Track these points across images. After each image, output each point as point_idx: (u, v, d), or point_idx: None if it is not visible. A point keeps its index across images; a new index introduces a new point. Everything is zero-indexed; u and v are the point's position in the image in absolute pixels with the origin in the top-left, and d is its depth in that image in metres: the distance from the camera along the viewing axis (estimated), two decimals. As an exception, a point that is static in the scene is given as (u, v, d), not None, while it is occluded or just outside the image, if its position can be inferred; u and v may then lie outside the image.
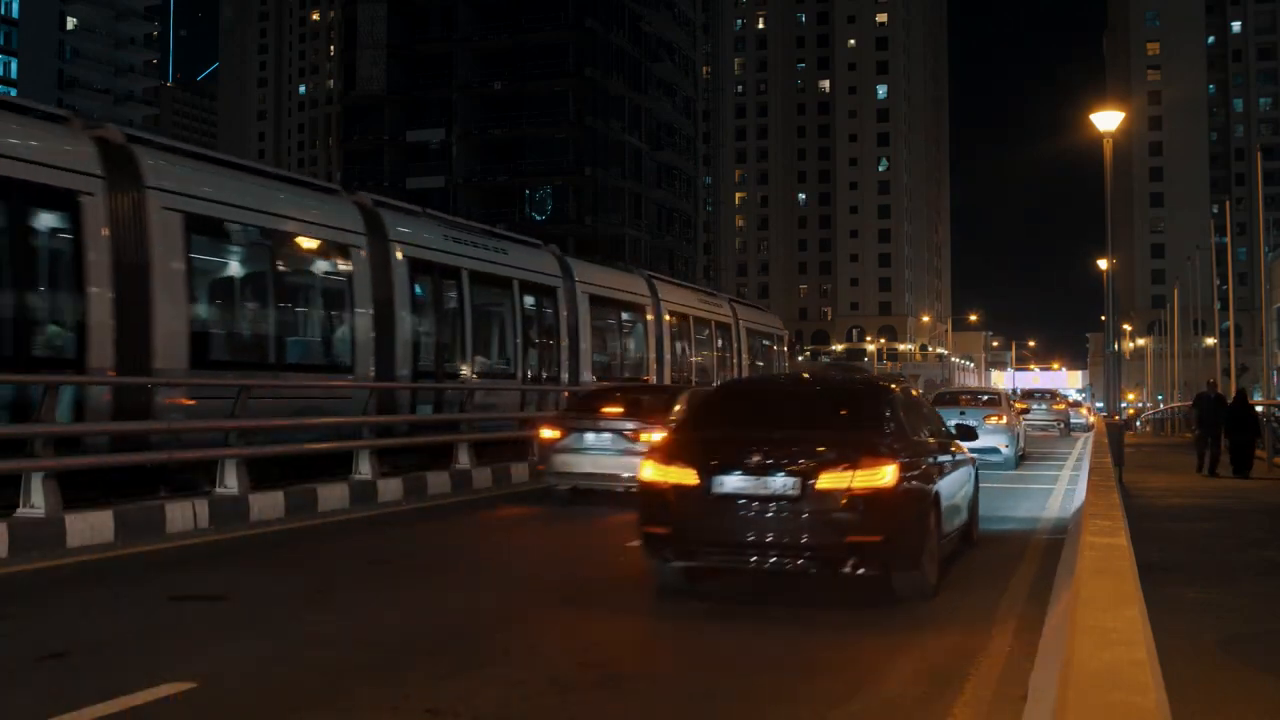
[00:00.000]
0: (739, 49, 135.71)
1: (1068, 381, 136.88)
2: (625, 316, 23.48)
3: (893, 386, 8.66)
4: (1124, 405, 39.22)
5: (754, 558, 7.01)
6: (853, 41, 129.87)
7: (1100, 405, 65.56)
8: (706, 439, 7.55)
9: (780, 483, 6.86)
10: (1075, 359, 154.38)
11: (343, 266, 14.93)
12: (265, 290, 14.08)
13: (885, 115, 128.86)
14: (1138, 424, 53.69)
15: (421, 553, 9.64)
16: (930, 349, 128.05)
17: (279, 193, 14.42)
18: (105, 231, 11.19)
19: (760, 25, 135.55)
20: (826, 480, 6.80)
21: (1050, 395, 44.22)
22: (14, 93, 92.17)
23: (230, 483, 10.87)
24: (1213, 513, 12.89)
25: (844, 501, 6.75)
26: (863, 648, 5.93)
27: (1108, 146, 20.79)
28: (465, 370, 17.47)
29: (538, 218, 68.47)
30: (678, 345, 25.18)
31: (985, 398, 23.02)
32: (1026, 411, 26.06)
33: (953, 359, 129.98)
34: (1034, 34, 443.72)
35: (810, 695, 4.95)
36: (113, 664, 5.38)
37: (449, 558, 9.38)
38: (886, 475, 6.86)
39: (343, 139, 76.71)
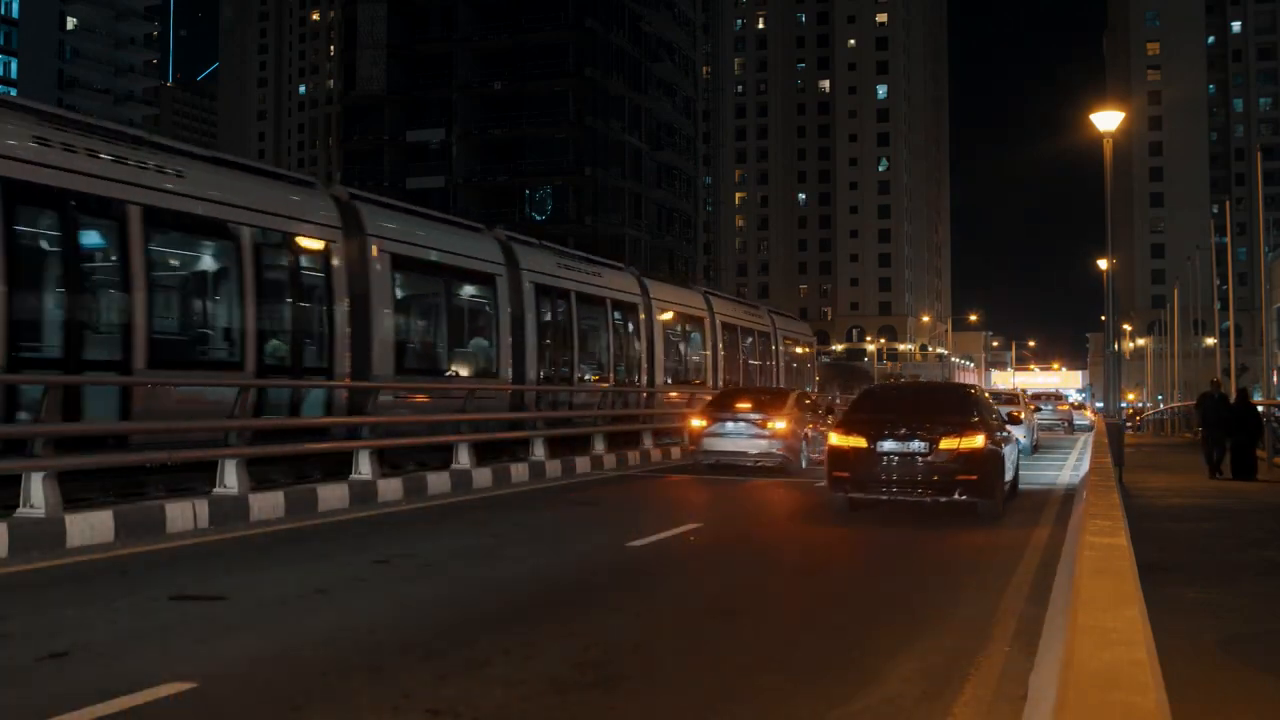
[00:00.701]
0: (739, 49, 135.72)
1: (1064, 381, 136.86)
2: (688, 328, 27.24)
3: (973, 390, 14.19)
4: (1123, 405, 39.54)
5: (900, 491, 11.83)
6: (853, 41, 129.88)
7: (1100, 405, 65.60)
8: (869, 419, 12.43)
9: (917, 445, 11.76)
10: (1075, 359, 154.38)
11: (489, 291, 18.32)
12: (440, 311, 17.32)
13: (885, 115, 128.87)
14: (1137, 421, 53.73)
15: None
16: (930, 349, 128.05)
17: (449, 234, 17.95)
18: (343, 270, 14.37)
19: (760, 25, 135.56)
20: (944, 444, 11.69)
21: (1056, 398, 50.36)
22: (14, 93, 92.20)
23: (230, 481, 10.88)
24: (1213, 513, 12.89)
25: (954, 456, 11.67)
26: (864, 647, 5.95)
27: (1108, 146, 20.80)
28: (575, 375, 21.22)
29: (538, 218, 68.47)
30: (728, 352, 28.96)
31: (1005, 397, 27.82)
32: (1037, 410, 30.02)
33: (953, 359, 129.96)
34: (1034, 34, 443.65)
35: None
36: (113, 664, 5.38)
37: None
38: (979, 441, 11.82)
39: (343, 139, 76.72)
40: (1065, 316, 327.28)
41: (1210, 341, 70.13)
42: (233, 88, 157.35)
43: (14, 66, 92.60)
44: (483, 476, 14.77)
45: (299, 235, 14.25)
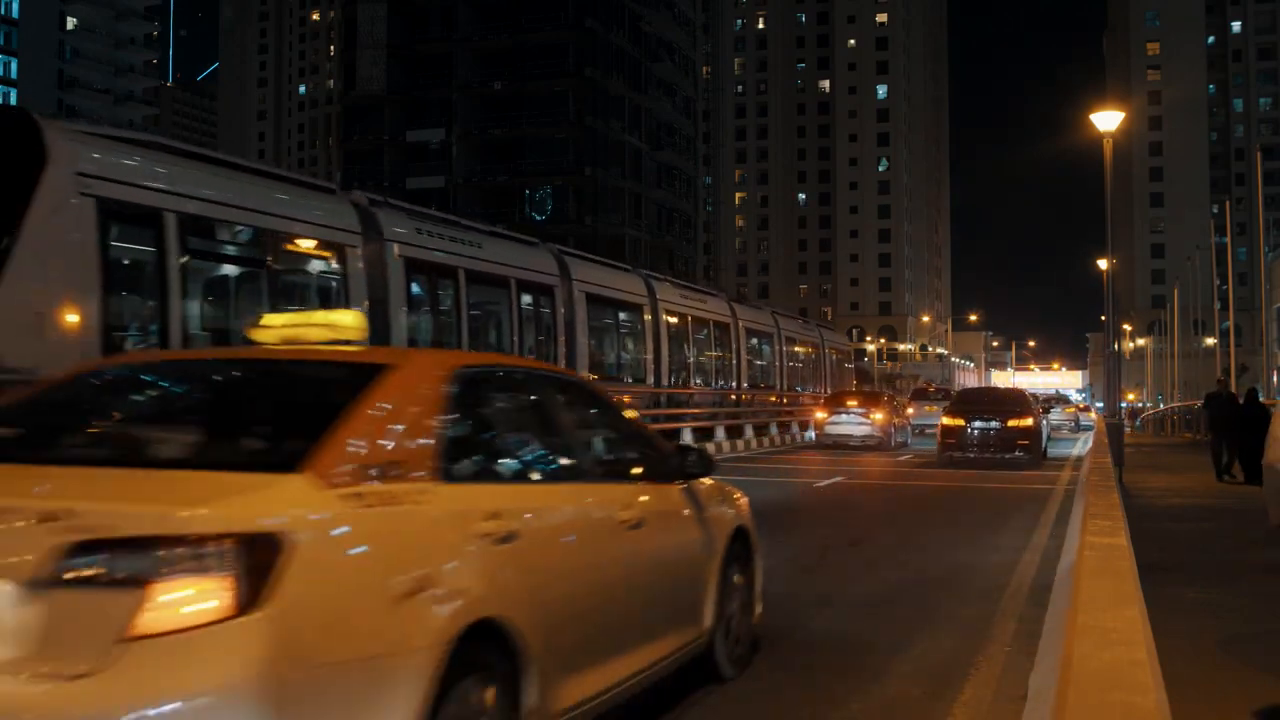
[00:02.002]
0: (739, 49, 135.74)
1: (1063, 382, 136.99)
2: (760, 342, 32.94)
3: (1024, 392, 26.42)
4: (1123, 405, 39.78)
5: (982, 450, 21.31)
6: (853, 41, 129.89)
7: (1100, 405, 65.64)
8: (963, 409, 22.53)
9: (994, 424, 21.55)
10: (1075, 359, 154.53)
11: (545, 300, 20.49)
12: (458, 314, 18.01)
13: (885, 115, 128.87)
14: (1137, 422, 53.75)
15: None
16: (930, 349, 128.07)
17: (487, 242, 19.12)
18: (362, 274, 15.23)
19: (760, 25, 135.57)
20: (1010, 423, 21.46)
21: (1063, 400, 57.47)
22: (14, 93, 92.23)
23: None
24: (1213, 513, 12.89)
25: (1015, 430, 21.39)
26: (862, 648, 5.95)
27: (1108, 146, 20.80)
28: (694, 380, 26.96)
29: (538, 218, 68.50)
30: (790, 362, 35.38)
31: (1041, 399, 35.00)
32: (1049, 411, 35.58)
33: (953, 359, 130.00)
34: (1034, 34, 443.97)
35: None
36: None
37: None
38: (1029, 421, 21.64)
39: (343, 139, 76.78)
40: (1065, 316, 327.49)
41: (1210, 341, 70.17)
42: (233, 88, 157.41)
43: (14, 66, 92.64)
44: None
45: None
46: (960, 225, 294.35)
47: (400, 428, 3.38)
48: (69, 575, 2.57)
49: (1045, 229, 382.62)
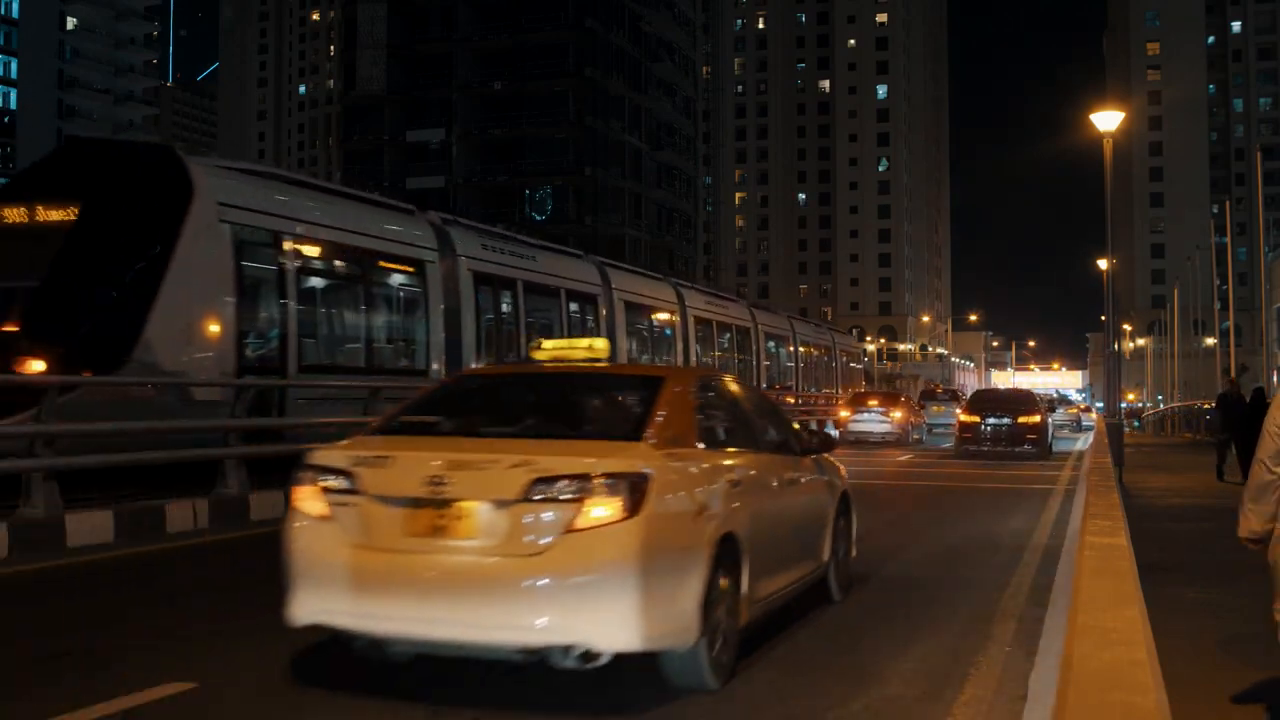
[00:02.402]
0: (739, 49, 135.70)
1: (1063, 382, 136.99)
2: (776, 345, 35.49)
3: (1032, 393, 30.00)
4: (1123, 405, 40.37)
5: (995, 444, 23.74)
6: (853, 41, 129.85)
7: (1100, 405, 65.64)
8: (979, 407, 25.28)
9: (1006, 421, 23.96)
10: (1075, 359, 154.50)
11: (590, 307, 22.49)
12: (517, 320, 19.99)
13: (885, 115, 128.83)
14: (1136, 422, 53.77)
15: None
16: (930, 349, 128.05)
17: (539, 255, 21.26)
18: (439, 286, 17.23)
19: (760, 25, 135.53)
20: (1019, 419, 23.94)
21: (1065, 401, 59.97)
22: (14, 93, 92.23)
23: (229, 482, 10.89)
24: (1213, 513, 12.89)
25: (1024, 425, 23.83)
26: (865, 647, 5.94)
27: (1108, 146, 20.79)
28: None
29: (538, 218, 68.47)
30: (805, 363, 38.11)
31: (1045, 399, 36.63)
32: (1052, 412, 36.78)
33: (953, 359, 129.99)
34: (1034, 34, 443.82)
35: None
36: (113, 664, 5.38)
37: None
38: (1037, 418, 24.32)
39: (343, 139, 76.77)
40: (1065, 316, 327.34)
41: (1210, 341, 70.14)
42: (233, 88, 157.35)
43: (14, 66, 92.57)
44: None
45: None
46: (960, 225, 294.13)
47: (680, 414, 5.44)
48: (535, 496, 4.53)
49: (1045, 229, 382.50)
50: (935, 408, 36.62)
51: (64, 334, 11.83)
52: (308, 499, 4.93)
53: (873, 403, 30.90)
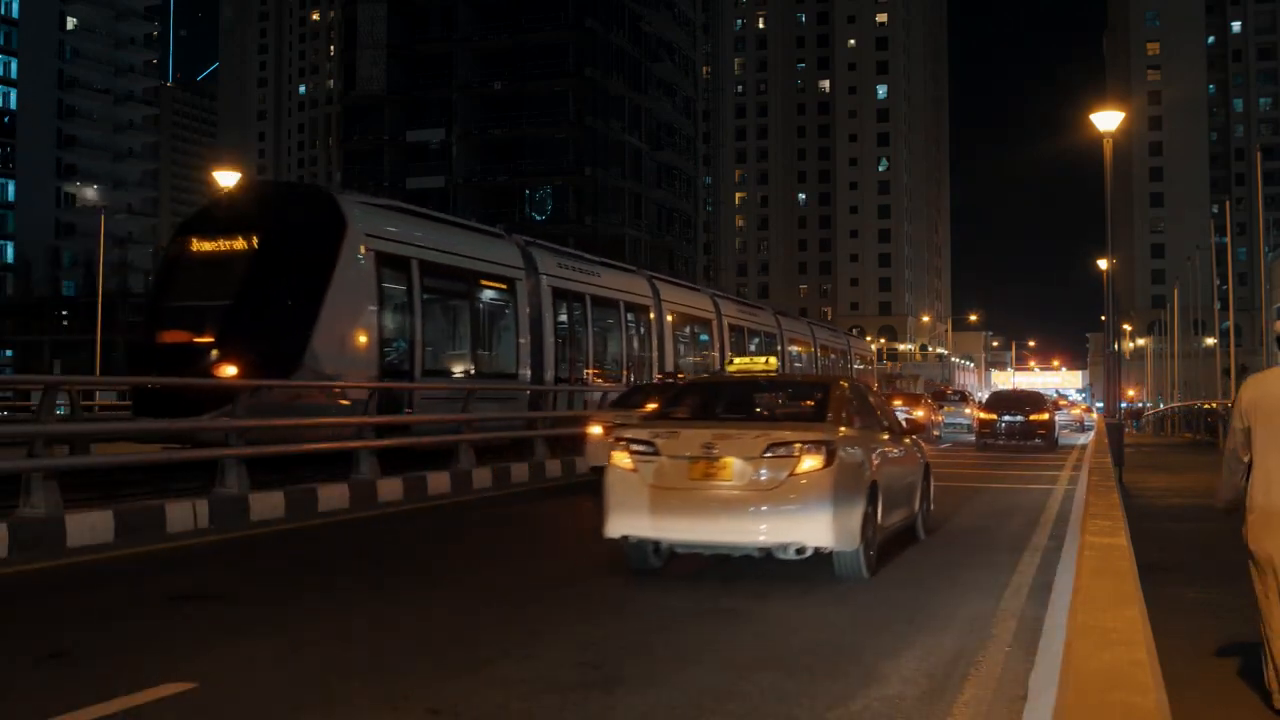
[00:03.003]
0: (739, 49, 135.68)
1: (1064, 382, 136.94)
2: (799, 349, 38.71)
3: (1044, 395, 33.28)
4: (1123, 405, 41.22)
5: (1009, 439, 26.87)
6: (853, 41, 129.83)
7: (1100, 405, 65.68)
8: (995, 406, 28.65)
9: (1019, 418, 27.22)
10: (1075, 359, 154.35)
11: (643, 317, 25.36)
12: (586, 329, 22.91)
13: (885, 115, 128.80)
14: (1135, 423, 53.78)
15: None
16: (930, 349, 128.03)
17: (602, 271, 24.10)
18: (526, 300, 20.01)
19: (760, 25, 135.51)
20: (1031, 417, 27.26)
21: (1071, 403, 62.32)
22: (14, 93, 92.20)
23: (229, 482, 10.90)
24: (1213, 513, 12.85)
25: (1035, 422, 27.08)
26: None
27: (1108, 146, 20.79)
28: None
29: (538, 218, 68.43)
30: (823, 365, 40.65)
31: (1054, 401, 40.03)
32: (1058, 410, 40.13)
33: (953, 359, 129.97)
34: (1034, 34, 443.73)
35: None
36: (113, 664, 5.38)
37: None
38: (1046, 416, 27.66)
39: (343, 139, 76.74)
40: (1065, 316, 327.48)
41: (1210, 341, 70.09)
42: (233, 88, 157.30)
43: (14, 66, 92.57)
44: None
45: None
46: (960, 225, 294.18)
47: (844, 404, 8.55)
48: (768, 455, 7.49)
49: (1045, 229, 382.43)
50: (947, 408, 38.57)
51: (250, 346, 14.63)
52: (622, 457, 7.95)
53: (898, 402, 32.35)
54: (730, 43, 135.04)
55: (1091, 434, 31.24)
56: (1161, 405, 67.54)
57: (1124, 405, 43.49)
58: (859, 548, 7.77)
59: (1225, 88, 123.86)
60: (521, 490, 14.81)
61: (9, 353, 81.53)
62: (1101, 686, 2.49)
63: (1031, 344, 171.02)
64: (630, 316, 24.76)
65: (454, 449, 14.61)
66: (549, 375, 20.74)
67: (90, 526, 9.11)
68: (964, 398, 45.40)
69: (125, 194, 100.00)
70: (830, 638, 6.21)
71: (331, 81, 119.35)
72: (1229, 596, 7.45)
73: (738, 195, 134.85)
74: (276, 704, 4.80)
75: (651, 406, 13.01)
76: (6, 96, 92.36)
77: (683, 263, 77.20)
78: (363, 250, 15.82)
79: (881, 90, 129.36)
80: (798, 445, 7.55)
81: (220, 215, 16.71)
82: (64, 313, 79.05)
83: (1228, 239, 59.40)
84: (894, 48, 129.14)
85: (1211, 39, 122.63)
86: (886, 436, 9.16)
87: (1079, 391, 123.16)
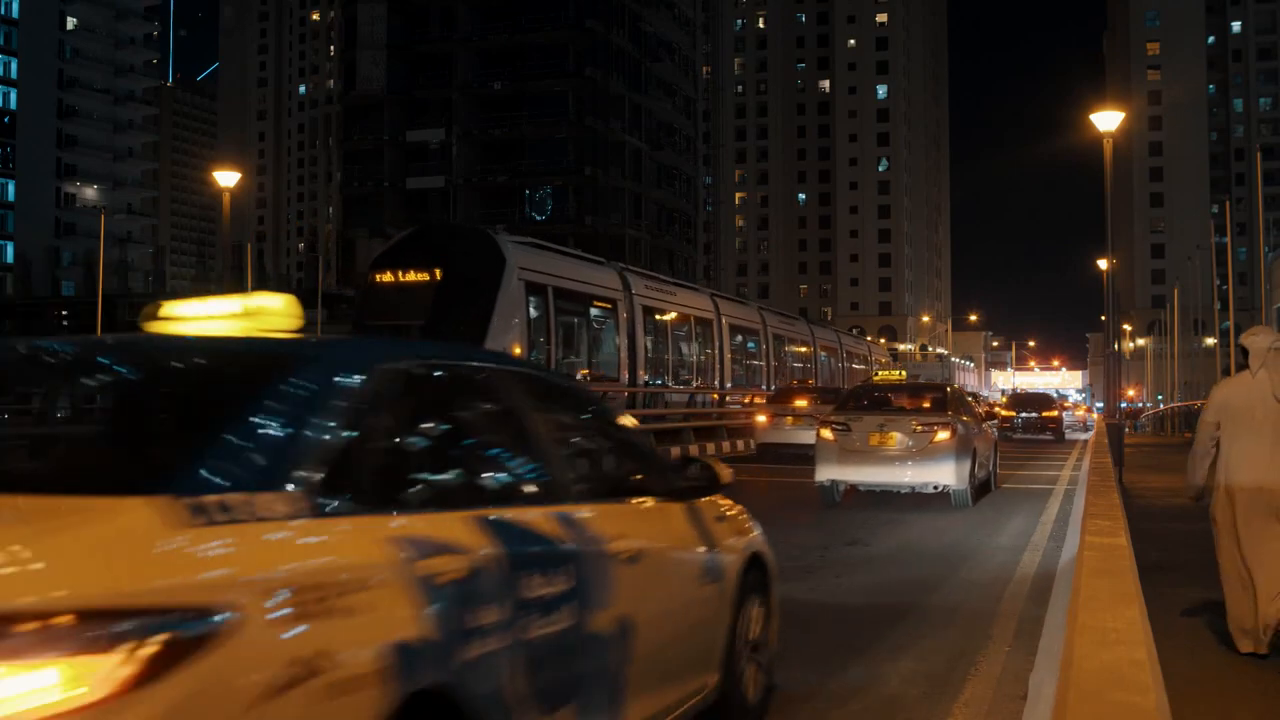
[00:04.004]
0: (739, 49, 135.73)
1: (1063, 382, 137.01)
2: (827, 355, 42.30)
3: (1054, 395, 48.38)
4: (1123, 405, 41.79)
5: (1026, 431, 34.15)
6: (853, 41, 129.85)
7: (1100, 405, 65.73)
8: (1014, 405, 37.22)
9: (1034, 415, 34.98)
10: (1075, 359, 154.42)
11: (707, 329, 29.61)
12: (667, 340, 27.19)
13: (885, 115, 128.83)
14: (1137, 424, 53.87)
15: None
16: (930, 349, 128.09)
17: (677, 290, 28.88)
18: (625, 318, 24.33)
19: (760, 25, 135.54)
20: (1044, 414, 35.10)
21: (1075, 404, 64.16)
22: (14, 93, 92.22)
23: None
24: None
25: (1046, 417, 34.91)
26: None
27: (1108, 146, 20.80)
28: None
29: (538, 218, 68.45)
30: (849, 369, 44.35)
31: (1060, 403, 44.98)
32: (1065, 411, 43.86)
33: (953, 359, 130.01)
34: (1034, 34, 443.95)
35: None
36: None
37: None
38: (1056, 412, 36.22)
39: (343, 139, 76.78)
40: (1065, 316, 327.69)
41: (1210, 341, 70.10)
42: (233, 88, 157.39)
43: (14, 66, 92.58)
44: None
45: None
46: (960, 225, 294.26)
47: (956, 400, 15.31)
48: (919, 430, 13.17)
49: (1045, 229, 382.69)
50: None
51: None
52: (826, 433, 13.36)
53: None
54: (730, 43, 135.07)
55: (1092, 434, 31.81)
56: (1161, 405, 67.55)
57: (1124, 405, 43.74)
58: (966, 487, 13.10)
59: (1225, 88, 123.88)
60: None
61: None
62: (1101, 686, 2.49)
63: (1031, 344, 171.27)
64: (699, 329, 29.31)
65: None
66: (640, 378, 24.92)
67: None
68: (975, 398, 48.44)
69: (125, 194, 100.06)
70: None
71: (331, 81, 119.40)
72: (1229, 596, 7.43)
73: (738, 195, 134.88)
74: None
75: (801, 403, 22.73)
76: (6, 96, 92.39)
77: (683, 263, 77.22)
78: (516, 280, 20.35)
79: (881, 90, 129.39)
80: (935, 424, 13.03)
81: (408, 252, 21.47)
82: (64, 313, 79.07)
83: (1228, 239, 59.39)
84: (894, 48, 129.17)
85: (1211, 39, 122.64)
86: (975, 422, 14.66)
87: (1079, 391, 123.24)
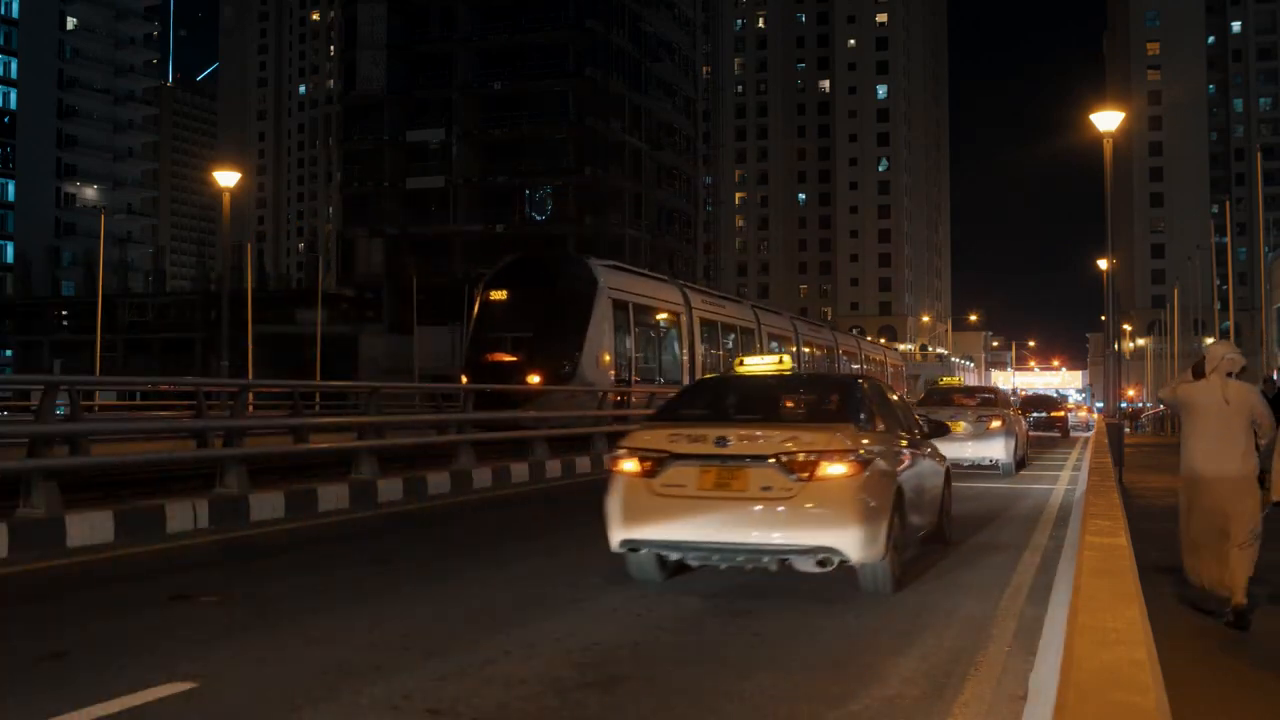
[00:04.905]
0: (739, 49, 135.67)
1: (1063, 382, 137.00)
2: (849, 360, 45.95)
3: (1060, 397, 60.67)
4: (1123, 405, 42.90)
5: (1036, 430, 32.13)
6: (853, 41, 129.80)
7: (1100, 405, 65.69)
8: (1025, 406, 31.20)
9: (1043, 414, 36.46)
10: (1075, 359, 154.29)
11: (751, 337, 33.64)
12: (718, 347, 30.82)
13: (885, 115, 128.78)
14: (1137, 424, 53.91)
15: None
16: (930, 349, 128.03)
17: (725, 303, 33.56)
18: (687, 329, 28.32)
19: (760, 25, 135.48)
20: (1052, 413, 38.05)
21: (1078, 405, 68.08)
22: (14, 93, 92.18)
23: (229, 482, 10.94)
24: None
25: (1054, 417, 37.73)
26: (866, 645, 5.91)
27: (1108, 146, 20.78)
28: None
29: (538, 218, 68.44)
30: (862, 369, 47.22)
31: (1049, 397, 49.86)
32: (1069, 412, 46.80)
33: (953, 359, 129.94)
34: (1034, 34, 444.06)
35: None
36: (113, 664, 5.38)
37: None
38: (1062, 413, 39.32)
39: (343, 139, 76.75)
40: (1065, 316, 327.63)
41: (1210, 341, 69.98)
42: (233, 88, 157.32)
43: (14, 66, 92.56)
44: None
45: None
46: (960, 225, 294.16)
47: (1003, 401, 20.67)
48: (980, 420, 18.42)
49: (1045, 229, 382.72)
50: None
51: (546, 363, 23.06)
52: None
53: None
54: (730, 43, 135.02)
55: (1093, 433, 32.90)
56: (1161, 405, 67.54)
57: (1124, 405, 44.55)
58: (1011, 460, 18.09)
59: (1225, 88, 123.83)
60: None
61: (9, 353, 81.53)
62: (1101, 686, 2.49)
63: (1031, 344, 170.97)
64: (744, 338, 33.28)
65: None
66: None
67: (90, 526, 9.10)
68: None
69: (125, 194, 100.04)
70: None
71: (331, 81, 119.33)
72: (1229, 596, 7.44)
73: (738, 195, 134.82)
74: (277, 703, 4.79)
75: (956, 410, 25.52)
76: (6, 96, 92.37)
77: (683, 263, 77.19)
78: (606, 298, 24.44)
79: (881, 90, 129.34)
80: (992, 414, 18.08)
81: (516, 275, 25.59)
82: (64, 313, 79.02)
83: (1228, 239, 59.41)
84: (894, 48, 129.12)
85: (1211, 39, 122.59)
86: (1017, 414, 19.27)
87: (1079, 391, 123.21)
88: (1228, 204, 65.67)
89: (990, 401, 19.27)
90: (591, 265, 24.99)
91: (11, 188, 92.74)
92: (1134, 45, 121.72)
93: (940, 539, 9.43)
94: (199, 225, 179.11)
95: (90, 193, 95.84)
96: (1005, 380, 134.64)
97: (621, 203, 69.18)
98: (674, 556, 7.34)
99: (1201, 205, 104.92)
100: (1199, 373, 7.09)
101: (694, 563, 7.46)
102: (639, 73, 72.05)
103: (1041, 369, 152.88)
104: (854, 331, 71.95)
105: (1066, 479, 17.31)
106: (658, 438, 7.30)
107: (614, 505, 7.23)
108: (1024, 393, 61.48)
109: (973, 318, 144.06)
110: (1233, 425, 6.83)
